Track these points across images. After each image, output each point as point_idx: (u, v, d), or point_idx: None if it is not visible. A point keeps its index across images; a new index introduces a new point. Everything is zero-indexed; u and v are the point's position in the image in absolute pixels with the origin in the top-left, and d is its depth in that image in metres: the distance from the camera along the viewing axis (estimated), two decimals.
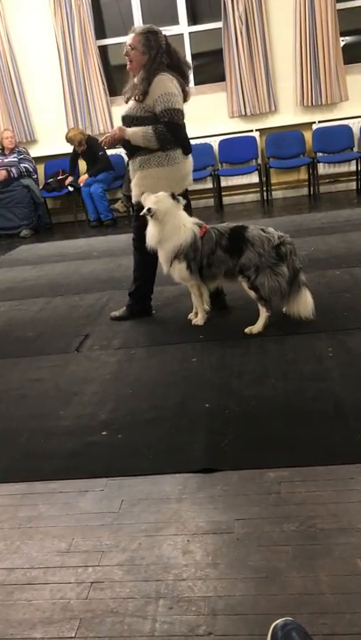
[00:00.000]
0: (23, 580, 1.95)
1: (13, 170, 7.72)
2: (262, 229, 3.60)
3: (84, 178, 7.81)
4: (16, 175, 7.71)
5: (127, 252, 4.97)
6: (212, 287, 3.87)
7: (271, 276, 3.51)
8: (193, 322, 3.89)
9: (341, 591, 1.73)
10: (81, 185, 7.82)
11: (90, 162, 7.82)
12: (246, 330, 3.63)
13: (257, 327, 3.62)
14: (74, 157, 7.90)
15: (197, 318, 3.88)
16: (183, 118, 3.71)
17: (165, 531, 2.08)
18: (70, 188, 7.91)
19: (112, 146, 3.84)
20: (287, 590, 1.76)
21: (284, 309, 3.72)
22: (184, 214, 3.70)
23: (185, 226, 3.65)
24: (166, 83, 3.58)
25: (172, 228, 3.63)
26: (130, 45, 3.63)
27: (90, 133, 7.79)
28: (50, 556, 2.04)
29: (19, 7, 7.77)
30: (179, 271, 3.72)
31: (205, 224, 3.73)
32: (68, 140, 7.63)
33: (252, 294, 3.62)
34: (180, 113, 3.64)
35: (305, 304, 3.59)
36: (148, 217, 3.62)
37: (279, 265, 3.51)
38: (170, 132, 3.62)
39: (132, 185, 3.88)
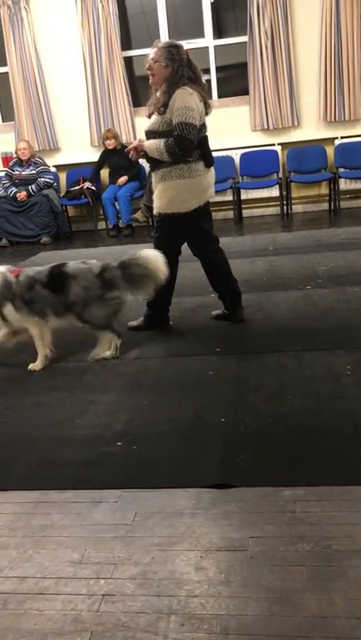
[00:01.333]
0: (35, 590, 1.95)
1: (33, 187, 7.82)
2: (83, 262, 3.68)
3: (124, 179, 7.77)
4: (35, 191, 7.81)
5: None
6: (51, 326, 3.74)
7: (105, 305, 3.60)
8: (30, 367, 3.68)
9: (356, 615, 1.70)
10: (119, 185, 7.77)
11: (119, 168, 7.78)
12: (91, 355, 3.69)
13: (101, 351, 3.70)
14: (99, 164, 7.92)
15: (36, 363, 3.71)
16: (199, 132, 3.64)
17: (178, 545, 2.06)
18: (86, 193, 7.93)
19: (138, 157, 3.85)
20: (301, 612, 1.74)
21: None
22: None
23: None
24: (186, 96, 3.57)
25: None
26: (152, 59, 3.65)
27: None
28: (62, 567, 2.03)
29: (47, 17, 7.88)
30: (9, 315, 3.61)
31: (19, 267, 3.74)
32: (104, 137, 7.71)
33: (88, 326, 3.68)
34: (193, 127, 3.56)
35: (153, 269, 3.60)
36: None
37: (107, 292, 3.58)
38: (177, 145, 3.58)
39: (155, 196, 3.89)
